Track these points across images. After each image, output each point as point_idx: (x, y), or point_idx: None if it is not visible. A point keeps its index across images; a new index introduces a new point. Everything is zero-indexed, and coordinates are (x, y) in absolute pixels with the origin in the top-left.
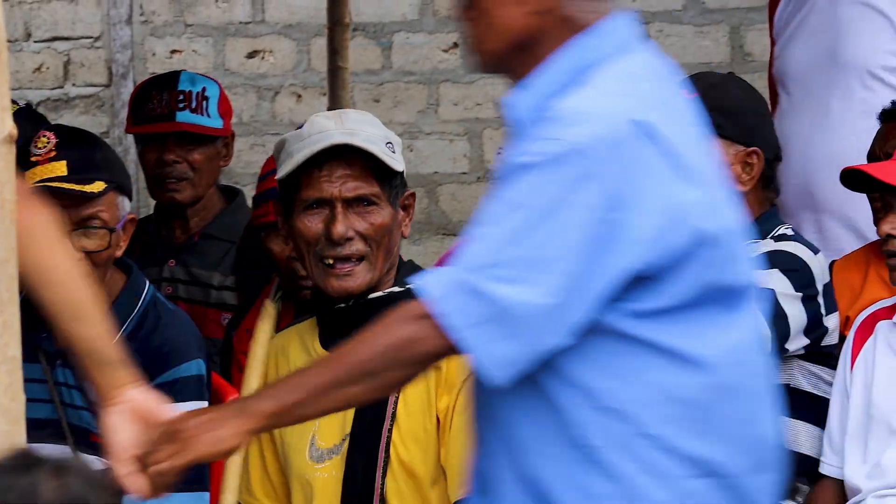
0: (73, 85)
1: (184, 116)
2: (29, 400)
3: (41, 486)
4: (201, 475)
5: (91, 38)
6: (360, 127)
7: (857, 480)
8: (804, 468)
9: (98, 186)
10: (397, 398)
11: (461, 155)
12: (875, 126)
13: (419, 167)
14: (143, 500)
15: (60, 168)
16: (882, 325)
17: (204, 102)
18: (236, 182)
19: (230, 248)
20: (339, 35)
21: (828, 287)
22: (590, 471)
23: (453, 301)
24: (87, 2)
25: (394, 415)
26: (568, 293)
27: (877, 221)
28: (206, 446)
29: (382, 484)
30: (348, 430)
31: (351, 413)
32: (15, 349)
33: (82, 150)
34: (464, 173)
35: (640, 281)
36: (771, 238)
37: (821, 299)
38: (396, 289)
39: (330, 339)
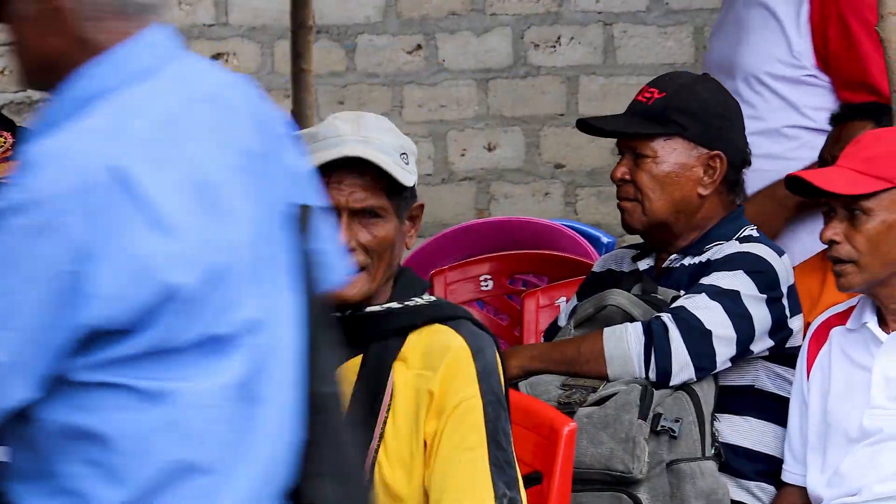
0: None
1: None
2: None
3: None
4: None
5: None
6: (376, 135)
7: (819, 489)
8: (769, 469)
9: None
10: (386, 419)
11: (425, 157)
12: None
13: None
14: None
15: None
16: (836, 332)
17: None
18: None
19: None
20: (302, 38)
21: (792, 289)
22: None
23: None
24: None
25: (381, 435)
26: (25, 349)
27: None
28: None
29: None
30: None
31: None
32: None
33: None
34: (428, 175)
35: (107, 333)
36: (736, 240)
37: (785, 301)
38: (395, 305)
39: None
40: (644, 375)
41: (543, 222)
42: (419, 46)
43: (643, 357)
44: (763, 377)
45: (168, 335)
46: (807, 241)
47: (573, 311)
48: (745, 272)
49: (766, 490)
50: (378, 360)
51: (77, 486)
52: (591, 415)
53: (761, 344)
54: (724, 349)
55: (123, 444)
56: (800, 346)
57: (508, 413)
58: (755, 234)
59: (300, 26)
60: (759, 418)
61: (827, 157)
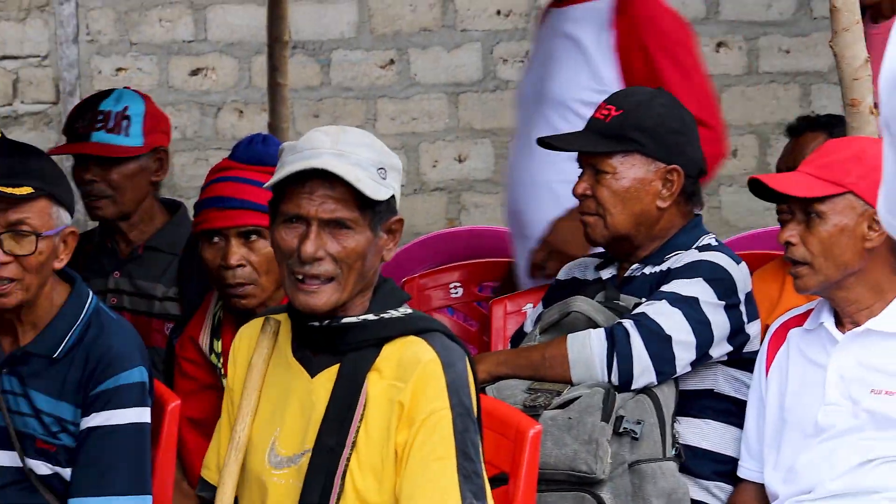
0: (22, 102)
1: (98, 136)
2: None
3: None
4: (144, 479)
5: (39, 56)
6: (354, 149)
7: (775, 485)
8: (728, 469)
9: (25, 190)
10: (359, 428)
11: None
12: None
13: None
14: None
15: None
16: (794, 333)
17: (124, 122)
18: (180, 195)
19: (173, 259)
20: (278, 52)
21: (749, 296)
22: None
23: None
24: (35, 21)
25: (354, 443)
26: None
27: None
28: None
29: None
30: (309, 446)
31: (314, 429)
32: None
33: (15, 158)
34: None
35: None
36: (695, 248)
37: (743, 307)
38: (371, 316)
39: (302, 349)
40: (607, 379)
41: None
42: (392, 61)
43: (606, 362)
44: (721, 381)
45: None
46: None
47: (539, 318)
48: (704, 280)
49: (724, 489)
50: (353, 370)
51: None
52: (555, 417)
53: (720, 349)
54: (684, 354)
55: None
56: (757, 351)
57: (478, 425)
58: (714, 242)
59: (276, 42)
60: (717, 420)
61: (781, 167)
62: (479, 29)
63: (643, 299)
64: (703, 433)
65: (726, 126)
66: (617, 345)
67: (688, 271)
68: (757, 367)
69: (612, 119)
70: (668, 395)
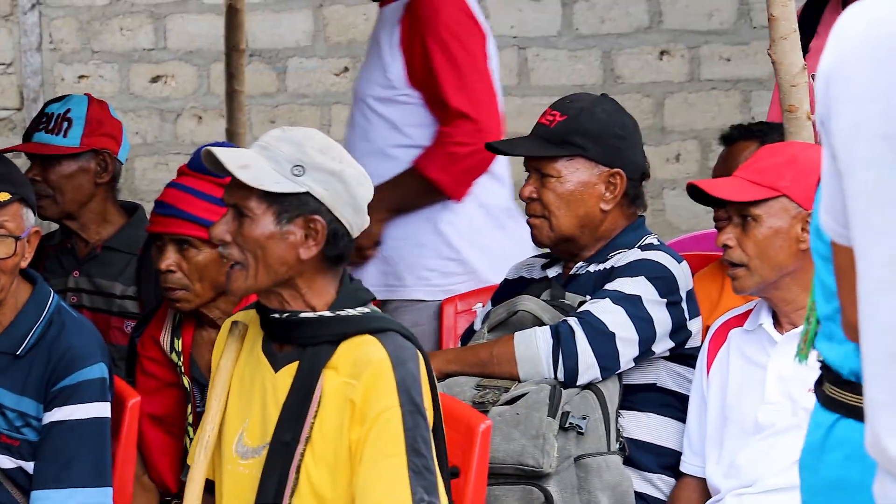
0: None
1: (38, 137)
2: None
3: None
4: (105, 471)
5: (3, 64)
6: (276, 143)
7: (716, 480)
8: (671, 462)
9: (3, 196)
10: (313, 423)
11: None
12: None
13: None
14: None
15: None
16: (734, 333)
17: (64, 123)
18: (141, 199)
19: (131, 259)
20: (235, 60)
21: (690, 293)
22: None
23: None
24: (0, 30)
25: (308, 438)
26: None
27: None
28: None
29: (290, 502)
30: (268, 440)
31: (273, 423)
32: None
33: None
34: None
35: None
36: (638, 247)
37: (684, 305)
38: (327, 313)
39: (269, 344)
40: (553, 376)
41: None
42: (346, 69)
43: (551, 358)
44: (664, 376)
45: None
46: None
47: (487, 316)
48: (646, 278)
49: (667, 482)
50: (310, 366)
51: None
52: (503, 413)
53: (662, 345)
54: (627, 350)
55: None
56: (698, 347)
57: (439, 419)
58: (655, 242)
59: (234, 50)
60: (660, 415)
61: (716, 175)
62: None
63: (587, 297)
64: (647, 427)
65: (498, 122)
66: (562, 342)
67: (630, 270)
68: (698, 367)
69: (556, 125)
70: (612, 391)
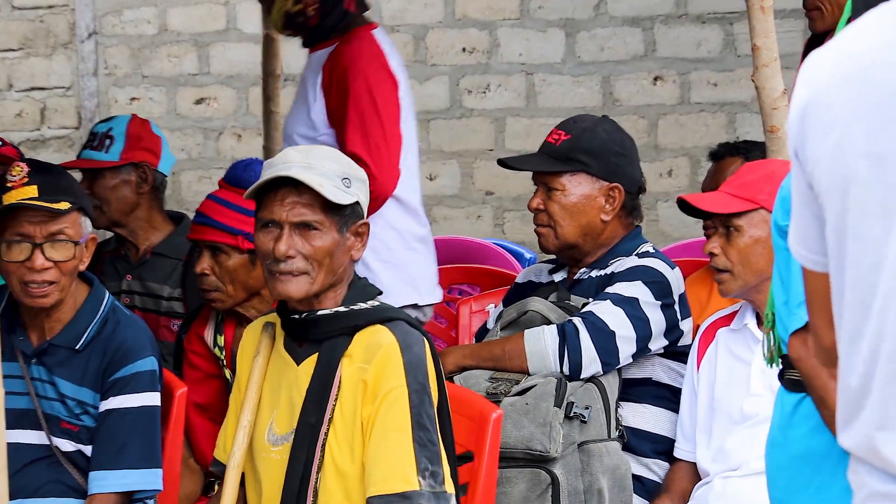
0: (48, 127)
1: (85, 154)
2: (8, 393)
3: None
4: (155, 454)
5: (63, 87)
6: (321, 162)
7: (706, 464)
8: (664, 448)
9: (64, 205)
10: (334, 406)
11: None
12: None
13: None
14: None
15: (32, 191)
16: (722, 332)
17: (107, 140)
18: (187, 209)
19: (177, 264)
20: (272, 84)
21: (682, 296)
22: None
23: None
24: (60, 57)
25: (331, 420)
26: None
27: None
28: None
29: (317, 479)
30: (295, 425)
31: (298, 409)
32: None
33: (50, 177)
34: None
35: None
36: (635, 255)
37: (677, 306)
38: (342, 309)
39: (290, 342)
40: (559, 370)
41: (476, 241)
42: None
43: (558, 354)
44: (659, 371)
45: None
46: None
47: (500, 316)
48: (643, 282)
49: (662, 466)
50: (328, 356)
51: None
52: (514, 403)
53: (657, 342)
54: (626, 347)
55: None
56: (690, 345)
57: (444, 399)
58: (651, 250)
59: (270, 75)
60: (655, 405)
61: (705, 188)
62: (446, 64)
63: (590, 299)
64: (643, 416)
65: (393, 174)
66: (568, 339)
67: (629, 275)
68: (689, 362)
69: (561, 143)
70: (612, 384)
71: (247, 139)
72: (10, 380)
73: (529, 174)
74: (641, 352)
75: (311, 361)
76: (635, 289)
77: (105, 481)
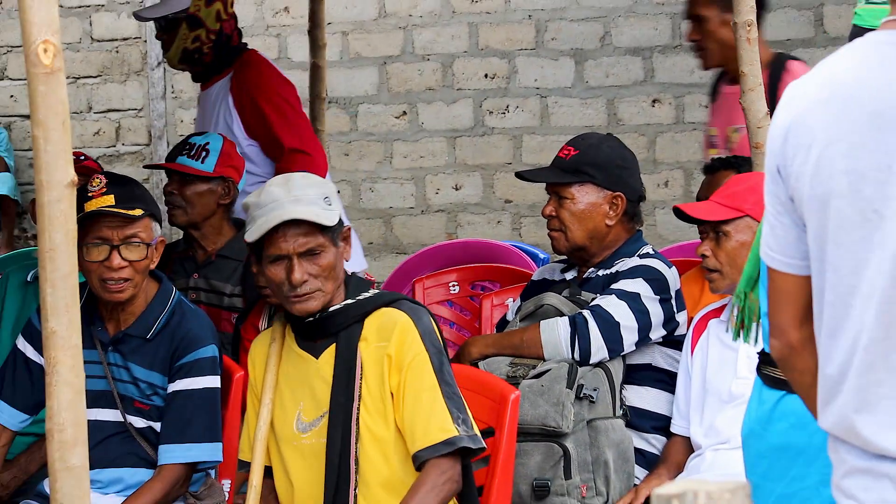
0: (123, 144)
1: (181, 160)
2: (88, 377)
3: None
4: (216, 430)
5: (136, 109)
6: (303, 191)
7: (698, 438)
8: (661, 425)
9: (138, 212)
10: (361, 384)
11: (409, 194)
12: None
13: (378, 203)
14: None
15: (110, 200)
16: (712, 323)
17: (203, 153)
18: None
19: (238, 265)
20: (318, 106)
21: (679, 292)
22: None
23: None
24: (133, 83)
25: (360, 396)
26: None
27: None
28: None
29: (356, 448)
30: (325, 409)
31: (326, 395)
32: (77, 339)
33: (126, 188)
34: (411, 207)
35: None
36: (637, 256)
37: (674, 301)
38: (350, 301)
39: (304, 340)
40: (570, 356)
41: (496, 243)
42: (404, 112)
43: (570, 343)
44: (658, 357)
45: None
46: None
47: (518, 309)
48: (644, 279)
49: (659, 440)
50: (347, 343)
51: None
52: (531, 385)
53: (656, 332)
54: (629, 336)
55: None
56: (685, 334)
57: (448, 357)
58: (651, 251)
59: (316, 98)
60: (654, 388)
61: (700, 197)
62: (471, 88)
63: (598, 295)
64: (644, 397)
65: (323, 153)
66: (578, 330)
67: (631, 273)
68: (684, 349)
69: (570, 158)
70: (617, 368)
71: None
72: (90, 365)
73: (543, 185)
74: (643, 340)
75: (330, 352)
76: (637, 285)
77: (172, 453)
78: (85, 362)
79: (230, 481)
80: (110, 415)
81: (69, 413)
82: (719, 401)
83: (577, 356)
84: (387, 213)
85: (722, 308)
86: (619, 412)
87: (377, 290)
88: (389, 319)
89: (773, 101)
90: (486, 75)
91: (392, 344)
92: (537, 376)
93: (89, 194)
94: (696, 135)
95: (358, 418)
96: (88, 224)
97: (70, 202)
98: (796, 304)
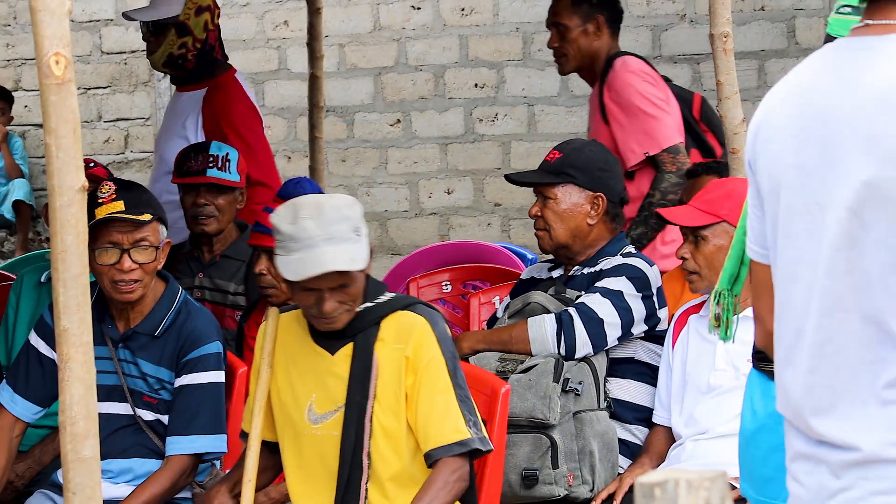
0: (131, 152)
1: (212, 173)
2: (99, 372)
3: None
4: (221, 422)
5: (143, 118)
6: (337, 227)
7: (679, 428)
8: (644, 416)
9: (146, 217)
10: (376, 383)
11: (403, 198)
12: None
13: (374, 207)
14: None
15: (119, 206)
16: (692, 318)
17: (227, 163)
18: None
19: (241, 265)
20: (316, 115)
21: (660, 289)
22: None
23: None
24: (141, 93)
25: (375, 394)
26: None
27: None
28: None
29: (369, 444)
30: (341, 403)
31: (341, 391)
32: (88, 336)
33: (134, 194)
34: (405, 211)
35: None
36: (619, 255)
37: (655, 298)
38: (368, 304)
39: (321, 337)
40: (557, 351)
41: (486, 244)
42: (398, 120)
43: (556, 338)
44: (640, 351)
45: None
46: None
47: (507, 307)
48: (627, 277)
49: (642, 431)
50: (364, 344)
51: None
52: (519, 379)
53: (638, 328)
54: (613, 332)
55: None
56: (666, 330)
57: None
58: (633, 251)
59: (315, 107)
60: (637, 381)
61: (684, 200)
62: (461, 97)
63: (582, 292)
64: (627, 390)
65: (279, 182)
66: (564, 326)
67: (615, 272)
68: (666, 343)
69: (555, 160)
70: (601, 362)
71: (295, 160)
72: (101, 361)
73: (531, 189)
74: (625, 336)
75: (346, 350)
76: (620, 283)
77: (179, 444)
78: (96, 358)
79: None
80: (120, 408)
81: (81, 406)
82: (698, 392)
83: (562, 351)
84: (382, 216)
85: (701, 304)
86: (604, 404)
87: (393, 294)
88: (408, 322)
89: (600, 95)
90: (475, 85)
91: (409, 346)
92: (525, 371)
93: (99, 200)
94: None
95: (372, 415)
96: (99, 229)
97: (81, 206)
98: (772, 293)
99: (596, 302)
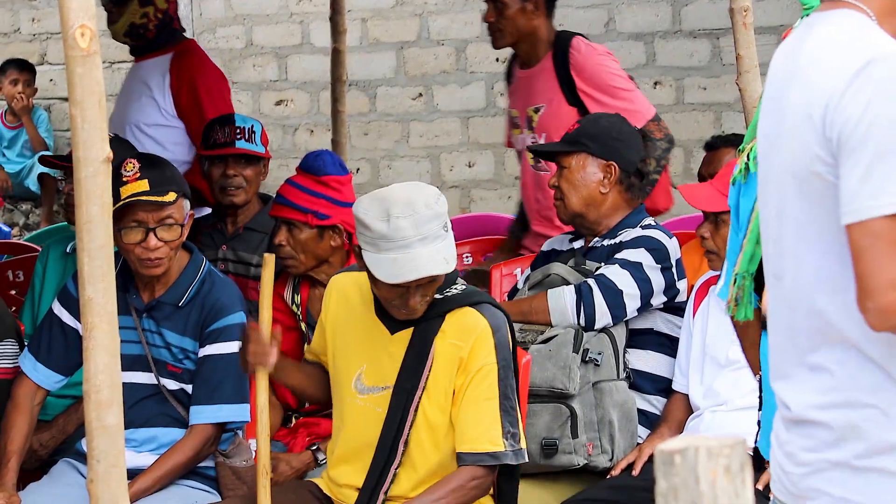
0: None
1: (241, 144)
2: (124, 341)
3: None
4: (244, 392)
5: None
6: (429, 226)
7: (697, 399)
8: (663, 387)
9: (171, 196)
10: (428, 376)
11: (425, 171)
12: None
13: (396, 180)
14: None
15: (144, 185)
16: (713, 289)
17: (253, 135)
18: (269, 191)
19: (264, 237)
20: (339, 88)
21: (679, 261)
22: None
23: None
24: None
25: (425, 386)
26: None
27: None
28: None
29: (408, 432)
30: (390, 382)
31: (392, 372)
32: (112, 306)
33: (157, 172)
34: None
35: None
36: (639, 227)
37: (674, 270)
38: (437, 296)
39: (383, 314)
40: (576, 322)
41: (508, 217)
42: (420, 94)
43: (575, 309)
44: (659, 322)
45: None
46: None
47: (527, 278)
48: (646, 249)
49: (661, 401)
50: (424, 334)
51: None
52: (539, 350)
53: (658, 299)
54: (632, 303)
55: None
56: (685, 301)
57: (515, 369)
58: (653, 223)
59: (337, 80)
60: (656, 351)
61: (702, 172)
62: (483, 71)
63: (602, 264)
64: (646, 361)
65: None
66: (583, 297)
67: (634, 243)
68: (686, 313)
69: (573, 131)
70: (620, 333)
71: (318, 134)
72: (126, 330)
73: (552, 164)
74: (644, 307)
75: (405, 334)
76: (639, 255)
77: (202, 414)
78: (120, 328)
79: (257, 440)
80: (145, 377)
81: (105, 375)
82: (717, 365)
83: (582, 322)
84: None
85: None
86: (623, 375)
87: (465, 286)
88: (471, 322)
89: (565, 76)
90: (497, 59)
91: (467, 347)
92: (545, 341)
93: (123, 179)
94: (695, 115)
95: (418, 406)
96: (124, 208)
97: (105, 177)
98: None
99: (615, 273)
